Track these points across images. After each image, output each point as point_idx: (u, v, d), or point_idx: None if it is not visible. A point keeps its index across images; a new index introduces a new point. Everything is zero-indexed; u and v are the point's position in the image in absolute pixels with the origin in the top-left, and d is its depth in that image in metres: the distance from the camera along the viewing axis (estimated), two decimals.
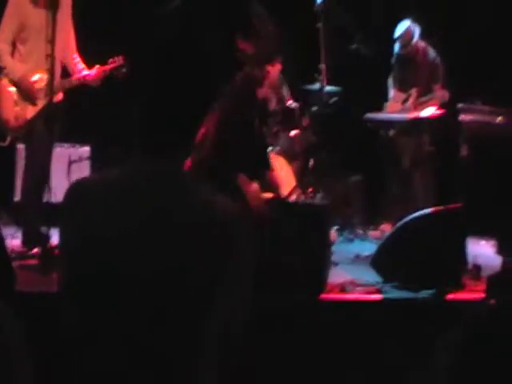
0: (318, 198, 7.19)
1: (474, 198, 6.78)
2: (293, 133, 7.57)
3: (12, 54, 5.97)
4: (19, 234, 6.14)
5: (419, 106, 7.78)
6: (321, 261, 5.34)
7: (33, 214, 5.99)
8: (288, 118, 7.58)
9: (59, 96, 6.05)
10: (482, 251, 6.23)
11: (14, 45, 5.97)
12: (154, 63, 2.00)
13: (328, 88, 7.43)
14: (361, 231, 7.77)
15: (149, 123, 2.01)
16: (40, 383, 1.96)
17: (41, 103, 5.95)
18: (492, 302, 2.09)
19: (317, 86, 7.45)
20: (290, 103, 7.68)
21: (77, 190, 2.03)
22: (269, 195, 5.74)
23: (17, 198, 6.93)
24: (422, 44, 7.85)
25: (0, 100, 5.97)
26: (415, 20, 7.79)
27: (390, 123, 7.99)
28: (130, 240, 1.92)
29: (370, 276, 5.57)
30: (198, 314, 1.91)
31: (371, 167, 8.15)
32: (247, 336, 2.02)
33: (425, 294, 5.24)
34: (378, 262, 5.62)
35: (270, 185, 5.81)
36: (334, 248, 6.16)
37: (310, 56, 7.32)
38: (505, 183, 5.59)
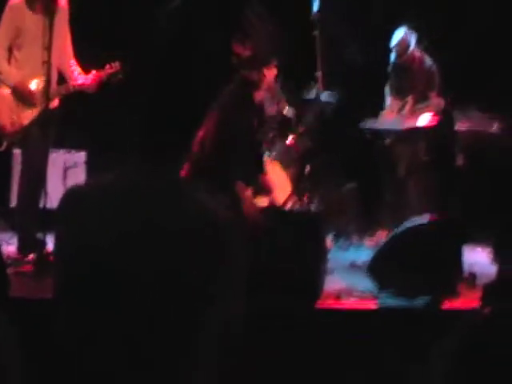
0: (314, 206, 7.20)
1: (470, 206, 6.79)
2: (289, 139, 7.58)
3: (9, 61, 5.96)
4: (15, 240, 6.13)
5: (415, 113, 7.79)
6: (316, 268, 5.34)
7: (29, 220, 5.98)
8: (284, 125, 7.59)
9: (55, 102, 6.05)
10: (478, 259, 6.23)
11: (10, 51, 5.96)
12: (152, 67, 2.00)
13: (324, 96, 7.43)
14: (356, 239, 7.77)
15: (145, 128, 2.00)
16: None
17: (37, 109, 5.94)
18: (487, 310, 2.09)
19: (313, 93, 7.46)
20: (287, 110, 7.69)
21: (71, 196, 2.03)
22: (264, 202, 5.75)
23: (13, 203, 6.92)
24: (418, 52, 7.86)
25: None
26: (411, 28, 7.81)
27: (385, 131, 8.00)
28: (125, 246, 1.92)
29: (366, 284, 5.57)
30: (190, 319, 1.91)
31: (366, 175, 8.16)
32: (242, 342, 2.02)
33: (420, 301, 5.24)
34: (373, 269, 5.62)
35: (263, 188, 5.81)
36: (329, 255, 6.16)
37: (307, 64, 7.33)
38: (500, 192, 5.60)
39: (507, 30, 8.13)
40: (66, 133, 6.81)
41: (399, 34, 7.82)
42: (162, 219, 1.94)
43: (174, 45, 2.00)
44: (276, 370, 4.66)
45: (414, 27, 7.78)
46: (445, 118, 7.68)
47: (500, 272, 2.20)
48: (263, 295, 4.51)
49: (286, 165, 7.18)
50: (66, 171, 7.36)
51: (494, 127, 7.73)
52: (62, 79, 6.20)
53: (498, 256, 2.23)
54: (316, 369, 4.74)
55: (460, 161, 7.65)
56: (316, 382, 4.74)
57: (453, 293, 5.38)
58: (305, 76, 7.52)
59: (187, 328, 1.92)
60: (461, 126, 7.85)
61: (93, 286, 1.92)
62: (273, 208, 5.85)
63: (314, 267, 5.32)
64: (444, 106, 7.66)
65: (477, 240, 6.76)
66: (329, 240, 6.87)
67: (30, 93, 5.92)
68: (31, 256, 5.72)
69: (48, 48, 5.66)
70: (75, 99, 6.22)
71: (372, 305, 5.27)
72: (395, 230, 5.81)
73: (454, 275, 5.54)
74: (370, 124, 8.04)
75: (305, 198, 7.33)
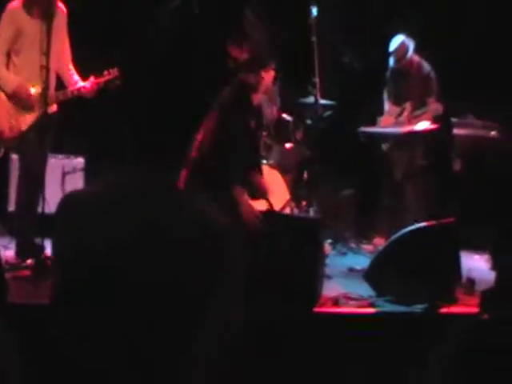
0: (312, 212, 7.20)
1: (467, 211, 6.80)
2: (287, 146, 7.58)
3: (7, 66, 5.96)
4: (13, 245, 6.12)
5: (413, 119, 7.80)
6: (314, 274, 5.34)
7: (27, 225, 5.97)
8: (281, 131, 7.59)
9: (53, 107, 6.05)
10: (476, 265, 6.24)
11: (8, 56, 5.96)
12: (152, 67, 2.01)
13: (322, 101, 7.44)
14: (354, 245, 7.77)
15: (143, 134, 2.01)
16: None
17: (35, 114, 5.94)
18: (485, 316, 2.10)
19: (311, 99, 7.47)
20: (284, 116, 7.69)
21: (69, 202, 2.03)
22: (261, 205, 5.75)
23: (11, 208, 6.91)
24: (416, 58, 7.87)
25: None
26: (409, 34, 7.82)
27: (383, 137, 8.01)
28: (122, 252, 1.92)
29: (364, 290, 5.56)
30: (189, 323, 1.91)
31: (364, 181, 8.16)
32: (239, 347, 2.02)
33: (418, 307, 5.24)
34: (371, 275, 5.62)
35: (259, 190, 5.81)
36: (327, 261, 6.16)
37: (305, 68, 7.33)
38: (498, 197, 5.60)
39: (505, 32, 8.14)
40: (65, 138, 6.80)
41: (398, 39, 7.83)
42: (160, 226, 1.94)
43: (174, 45, 2.00)
44: (274, 375, 4.66)
45: (411, 33, 7.80)
46: (443, 123, 7.69)
47: (498, 278, 2.20)
48: (261, 298, 4.52)
49: (283, 170, 7.18)
50: (64, 176, 7.35)
51: (493, 133, 7.75)
52: (60, 85, 6.20)
53: (496, 262, 2.24)
54: (314, 373, 4.74)
55: (458, 166, 7.66)
56: None
57: (451, 298, 5.38)
58: (303, 80, 7.51)
59: (185, 331, 1.92)
60: (458, 131, 7.86)
61: (91, 290, 1.92)
62: (271, 212, 5.85)
63: (313, 271, 5.32)
64: (442, 112, 7.66)
65: (475, 246, 6.77)
66: (327, 245, 6.86)
67: (29, 98, 5.92)
68: (29, 261, 5.71)
69: (46, 53, 5.65)
70: (74, 105, 6.22)
71: (370, 311, 5.27)
72: (393, 235, 5.80)
73: (452, 281, 5.54)
74: (367, 129, 8.05)
75: (303, 204, 7.33)
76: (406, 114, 7.88)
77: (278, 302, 4.96)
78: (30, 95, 5.91)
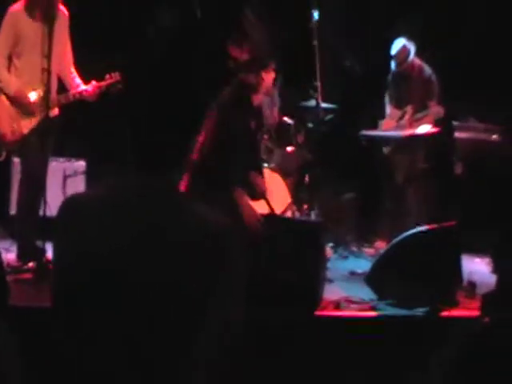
0: (313, 215, 7.20)
1: (469, 215, 6.80)
2: (288, 149, 7.58)
3: (8, 69, 5.96)
4: (14, 248, 6.12)
5: (415, 122, 7.80)
6: (316, 277, 5.34)
7: (28, 228, 5.98)
8: (283, 135, 7.59)
9: (55, 111, 6.05)
10: (478, 268, 6.24)
11: (10, 59, 5.96)
12: (152, 67, 2.01)
13: (323, 105, 7.44)
14: (355, 248, 7.77)
15: (143, 134, 2.01)
16: None
17: (37, 118, 5.95)
18: (486, 319, 2.10)
19: (312, 102, 7.47)
20: (286, 120, 7.70)
21: (70, 205, 2.03)
22: (262, 206, 5.75)
23: (12, 211, 6.91)
24: (418, 61, 7.88)
25: None
26: (410, 37, 7.83)
27: (385, 140, 8.01)
28: (123, 255, 1.92)
29: (365, 293, 5.56)
30: (190, 325, 1.91)
31: (365, 184, 8.16)
32: (240, 348, 2.02)
33: (419, 311, 5.24)
34: (372, 279, 5.62)
35: (257, 190, 5.81)
36: (328, 265, 6.16)
37: (306, 73, 7.33)
38: (499, 201, 5.60)
39: (505, 32, 8.14)
40: (66, 141, 6.80)
41: (399, 43, 7.84)
42: (161, 229, 1.94)
43: (174, 45, 2.00)
44: (275, 378, 4.66)
45: (412, 35, 7.80)
46: (444, 127, 7.69)
47: (499, 282, 2.20)
48: (262, 301, 4.51)
49: (285, 174, 7.18)
50: (65, 180, 7.35)
51: (494, 136, 7.75)
52: (62, 88, 6.20)
53: (498, 265, 2.24)
54: (315, 376, 4.74)
55: (460, 169, 7.66)
56: None
57: (452, 302, 5.38)
58: (304, 84, 7.52)
59: (186, 333, 1.92)
60: (460, 134, 7.86)
61: (92, 293, 1.92)
62: (273, 215, 5.85)
63: (314, 274, 5.32)
64: (443, 115, 7.67)
65: (476, 249, 6.77)
66: (328, 249, 6.86)
67: (30, 102, 5.92)
68: (31, 264, 5.71)
69: (48, 56, 5.66)
70: (75, 108, 6.22)
71: (371, 314, 5.26)
72: (395, 238, 5.80)
73: (453, 284, 5.54)
74: (368, 133, 8.05)
75: (304, 208, 7.33)
76: (407, 117, 7.89)
77: (279, 303, 4.96)
78: (30, 102, 5.91)
